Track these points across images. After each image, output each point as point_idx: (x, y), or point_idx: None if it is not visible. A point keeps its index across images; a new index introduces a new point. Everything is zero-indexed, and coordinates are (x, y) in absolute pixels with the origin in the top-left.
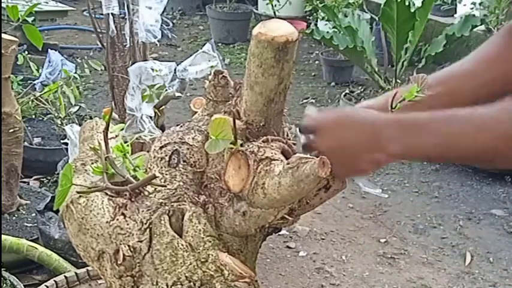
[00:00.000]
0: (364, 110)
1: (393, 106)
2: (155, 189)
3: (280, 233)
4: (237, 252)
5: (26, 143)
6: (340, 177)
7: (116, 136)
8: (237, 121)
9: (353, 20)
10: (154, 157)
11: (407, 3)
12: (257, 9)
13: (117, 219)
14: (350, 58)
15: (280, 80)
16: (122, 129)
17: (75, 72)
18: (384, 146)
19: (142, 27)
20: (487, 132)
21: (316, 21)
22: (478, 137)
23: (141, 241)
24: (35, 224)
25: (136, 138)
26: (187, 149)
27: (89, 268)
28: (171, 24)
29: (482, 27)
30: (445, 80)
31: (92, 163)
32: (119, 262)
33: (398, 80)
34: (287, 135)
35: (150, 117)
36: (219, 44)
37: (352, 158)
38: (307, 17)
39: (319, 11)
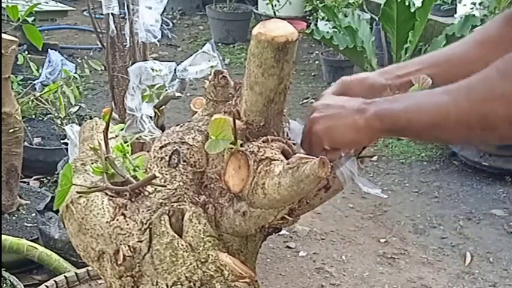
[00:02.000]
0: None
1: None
2: (155, 189)
3: (280, 233)
4: (237, 253)
5: (26, 143)
6: (328, 143)
7: (116, 136)
8: (237, 121)
9: (353, 20)
10: (154, 157)
11: (407, 3)
12: (257, 9)
13: (117, 220)
14: (350, 58)
15: (280, 80)
16: (122, 129)
17: (75, 72)
18: (364, 109)
19: (142, 27)
20: (475, 92)
21: (316, 21)
22: (462, 98)
23: (141, 241)
24: (35, 224)
25: (137, 138)
26: (187, 149)
27: (89, 268)
28: (171, 24)
29: None
30: (438, 62)
31: (92, 163)
32: (119, 262)
33: None
34: (287, 135)
35: (150, 117)
36: (219, 44)
37: (338, 118)
38: (307, 17)
39: (319, 11)
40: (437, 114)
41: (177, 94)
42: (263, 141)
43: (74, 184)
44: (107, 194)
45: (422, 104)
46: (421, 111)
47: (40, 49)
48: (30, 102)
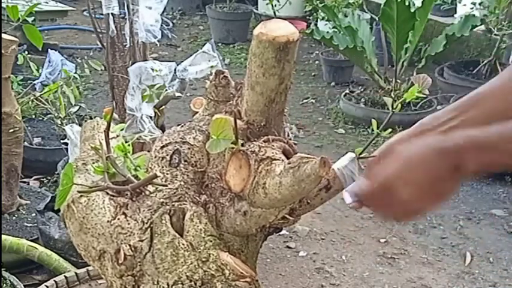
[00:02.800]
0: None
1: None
2: (156, 188)
3: (280, 233)
4: (238, 252)
5: (26, 143)
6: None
7: (117, 136)
8: (238, 121)
9: (353, 20)
10: (155, 157)
11: (407, 3)
12: (257, 9)
13: (118, 219)
14: (350, 58)
15: (281, 80)
16: (122, 129)
17: (75, 72)
18: (457, 163)
19: (142, 27)
20: None
21: (316, 21)
22: None
23: (142, 240)
24: (35, 224)
25: (137, 138)
26: (189, 148)
27: (89, 268)
28: (171, 24)
29: (482, 27)
30: (476, 101)
31: (93, 163)
32: (119, 261)
33: (398, 80)
34: (288, 135)
35: (150, 117)
36: (219, 44)
37: (428, 181)
38: (307, 17)
39: (319, 11)
40: None
41: (177, 94)
42: (264, 141)
43: (75, 183)
44: (108, 193)
45: None
46: None
47: (40, 49)
48: (30, 102)
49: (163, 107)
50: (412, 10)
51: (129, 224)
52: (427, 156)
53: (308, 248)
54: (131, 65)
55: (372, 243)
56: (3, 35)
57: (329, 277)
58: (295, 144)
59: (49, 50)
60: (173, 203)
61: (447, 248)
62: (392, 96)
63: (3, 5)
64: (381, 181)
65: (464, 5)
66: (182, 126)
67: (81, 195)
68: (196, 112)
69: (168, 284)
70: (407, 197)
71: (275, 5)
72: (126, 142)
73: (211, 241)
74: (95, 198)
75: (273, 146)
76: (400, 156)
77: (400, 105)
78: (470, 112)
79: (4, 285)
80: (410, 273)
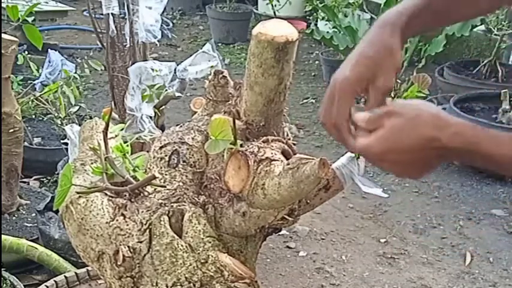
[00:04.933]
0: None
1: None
2: (155, 189)
3: (280, 233)
4: (237, 253)
5: (26, 143)
6: (401, 174)
7: (116, 136)
8: (237, 121)
9: (353, 20)
10: (154, 157)
11: None
12: (257, 9)
13: (117, 220)
14: None
15: (280, 80)
16: (122, 129)
17: (75, 72)
18: (444, 128)
19: (142, 27)
20: None
21: (316, 21)
22: None
23: (140, 242)
24: (35, 224)
25: (137, 138)
26: (187, 149)
27: (89, 268)
28: (171, 24)
29: (482, 27)
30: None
31: (92, 163)
32: (118, 263)
33: (398, 80)
34: (287, 135)
35: (150, 117)
36: (219, 44)
37: (413, 131)
38: (307, 17)
39: (319, 11)
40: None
41: (177, 94)
42: (263, 141)
43: (74, 184)
44: (106, 194)
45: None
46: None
47: (40, 49)
48: (30, 102)
49: (163, 107)
50: None
51: (127, 225)
52: (419, 150)
53: (308, 248)
54: (131, 65)
55: (372, 243)
56: (3, 35)
57: (329, 277)
58: (294, 144)
59: (49, 50)
60: (172, 204)
61: (447, 248)
62: (392, 96)
63: (3, 5)
64: (368, 153)
65: None
66: (181, 126)
67: (80, 196)
68: (196, 112)
69: (167, 286)
70: (394, 170)
71: (275, 5)
72: (125, 142)
73: (210, 242)
74: (94, 199)
75: (272, 146)
76: (392, 137)
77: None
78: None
79: (4, 285)
80: (410, 273)
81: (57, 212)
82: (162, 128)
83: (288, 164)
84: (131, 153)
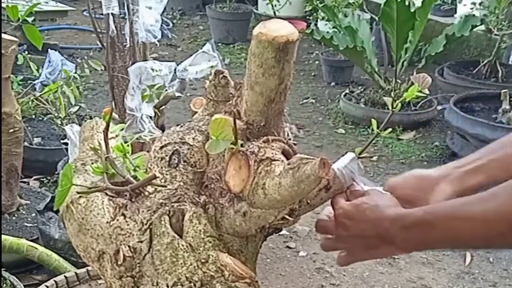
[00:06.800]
0: (387, 205)
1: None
2: (155, 189)
3: (280, 233)
4: (238, 253)
5: (26, 143)
6: (355, 259)
7: (116, 136)
8: (237, 121)
9: (353, 20)
10: (154, 157)
11: (407, 3)
12: (257, 9)
13: (117, 220)
14: (350, 58)
15: (280, 80)
16: (122, 129)
17: (75, 72)
18: (392, 244)
19: (142, 27)
20: (489, 225)
21: (316, 21)
22: (474, 233)
23: (141, 241)
24: (35, 224)
25: (137, 138)
26: (188, 149)
27: (89, 268)
28: (171, 24)
29: (482, 27)
30: (494, 150)
31: (92, 163)
32: (119, 263)
33: (398, 80)
34: (287, 135)
35: (150, 117)
36: (219, 44)
37: (366, 246)
38: (307, 17)
39: (319, 11)
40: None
41: (177, 94)
42: (264, 141)
43: (74, 184)
44: (107, 194)
45: (458, 234)
46: (458, 241)
47: (40, 49)
48: (30, 102)
49: (163, 107)
50: (412, 10)
51: (128, 225)
52: (369, 231)
53: (308, 248)
54: (131, 65)
55: None
56: (3, 35)
57: (329, 277)
58: (295, 144)
59: (49, 50)
60: (172, 204)
61: None
62: (393, 96)
63: (3, 5)
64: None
65: (465, 5)
66: (181, 126)
67: (80, 196)
68: (196, 112)
69: (167, 285)
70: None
71: (275, 5)
72: (125, 142)
73: (210, 242)
74: (94, 199)
75: (273, 146)
76: (356, 216)
77: (400, 105)
78: (491, 156)
79: (4, 285)
80: (410, 273)
81: (57, 212)
82: (162, 128)
83: (289, 164)
84: (131, 153)
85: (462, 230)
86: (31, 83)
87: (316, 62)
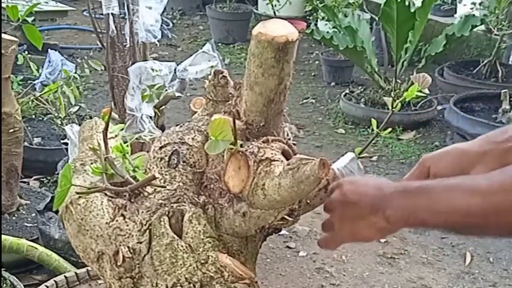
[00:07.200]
0: (380, 179)
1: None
2: (155, 189)
3: (280, 233)
4: (237, 253)
5: (26, 143)
6: (344, 240)
7: (116, 136)
8: (237, 121)
9: (353, 20)
10: (154, 157)
11: (407, 3)
12: (257, 9)
13: (117, 220)
14: (350, 58)
15: (280, 80)
16: (122, 129)
17: (75, 72)
18: (383, 211)
19: (142, 27)
20: (479, 200)
21: (316, 21)
22: (471, 204)
23: (140, 242)
24: (35, 224)
25: (136, 138)
26: (187, 149)
27: (89, 268)
28: (171, 24)
29: (482, 27)
30: None
31: (92, 163)
32: (118, 263)
33: (398, 80)
34: (287, 136)
35: (150, 117)
36: (219, 44)
37: (356, 219)
38: (307, 17)
39: (319, 11)
40: (474, 217)
41: (177, 94)
42: (263, 142)
43: (74, 185)
44: (106, 194)
45: (455, 204)
46: (451, 213)
47: (40, 49)
48: (30, 102)
49: (163, 107)
50: (412, 10)
51: (127, 225)
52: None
53: (308, 248)
54: (131, 65)
55: (372, 243)
56: (3, 35)
57: (329, 277)
58: (294, 144)
59: (49, 50)
60: (172, 204)
61: (447, 248)
62: (393, 96)
63: (3, 5)
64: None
65: (465, 5)
66: (181, 126)
67: (80, 197)
68: (196, 112)
69: (167, 286)
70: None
71: (275, 5)
72: (125, 142)
73: (210, 242)
74: (94, 199)
75: (272, 146)
76: (344, 197)
77: (400, 104)
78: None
79: (4, 285)
80: (410, 273)
81: (57, 212)
82: (162, 128)
83: (288, 165)
84: (131, 154)
85: (459, 201)
86: (31, 83)
87: (316, 62)
